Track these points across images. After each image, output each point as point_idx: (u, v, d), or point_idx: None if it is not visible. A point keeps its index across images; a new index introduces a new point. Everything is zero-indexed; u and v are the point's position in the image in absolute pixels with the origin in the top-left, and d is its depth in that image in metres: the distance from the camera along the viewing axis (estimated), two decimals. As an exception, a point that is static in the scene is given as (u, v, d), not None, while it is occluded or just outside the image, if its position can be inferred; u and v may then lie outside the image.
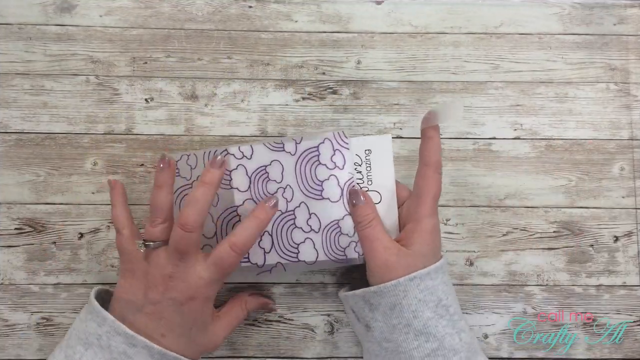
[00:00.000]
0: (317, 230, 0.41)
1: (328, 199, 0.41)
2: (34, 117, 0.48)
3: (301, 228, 0.41)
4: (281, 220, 0.41)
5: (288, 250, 0.41)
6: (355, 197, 0.41)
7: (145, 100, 0.48)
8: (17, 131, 0.48)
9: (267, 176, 0.41)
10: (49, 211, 0.47)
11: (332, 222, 0.41)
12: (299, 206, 0.41)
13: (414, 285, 0.38)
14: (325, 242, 0.41)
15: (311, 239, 0.41)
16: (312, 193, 0.41)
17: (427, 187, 0.40)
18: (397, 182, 0.44)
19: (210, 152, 0.41)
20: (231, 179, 0.40)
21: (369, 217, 0.40)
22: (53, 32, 0.48)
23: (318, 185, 0.41)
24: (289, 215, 0.41)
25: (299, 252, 0.41)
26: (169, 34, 0.49)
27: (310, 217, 0.41)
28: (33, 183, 0.47)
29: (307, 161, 0.41)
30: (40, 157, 0.47)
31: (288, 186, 0.41)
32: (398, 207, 0.43)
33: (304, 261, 0.41)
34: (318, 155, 0.41)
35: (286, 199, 0.41)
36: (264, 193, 0.41)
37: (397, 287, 0.38)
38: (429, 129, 0.40)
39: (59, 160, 0.47)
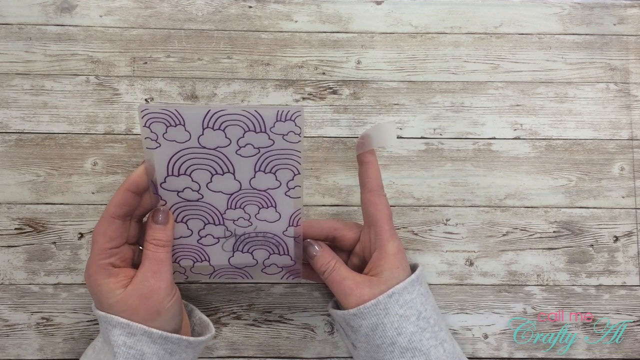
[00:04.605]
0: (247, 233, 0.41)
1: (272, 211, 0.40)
2: (34, 117, 0.48)
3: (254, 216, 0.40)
4: (251, 192, 0.39)
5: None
6: (310, 250, 0.41)
7: (146, 100, 0.48)
8: (17, 131, 0.48)
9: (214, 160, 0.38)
10: (49, 211, 0.47)
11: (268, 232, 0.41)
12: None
13: (394, 301, 0.38)
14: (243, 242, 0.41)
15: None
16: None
17: (378, 213, 0.40)
18: (342, 222, 0.43)
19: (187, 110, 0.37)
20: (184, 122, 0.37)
21: (331, 263, 0.40)
22: (53, 32, 0.48)
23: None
24: (261, 195, 0.40)
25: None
26: (169, 34, 0.49)
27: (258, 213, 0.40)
28: (33, 183, 0.47)
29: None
30: (40, 157, 0.47)
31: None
32: (352, 249, 0.43)
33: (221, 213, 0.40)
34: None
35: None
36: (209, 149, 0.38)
37: (377, 305, 0.38)
38: (365, 154, 0.40)
39: (59, 160, 0.47)
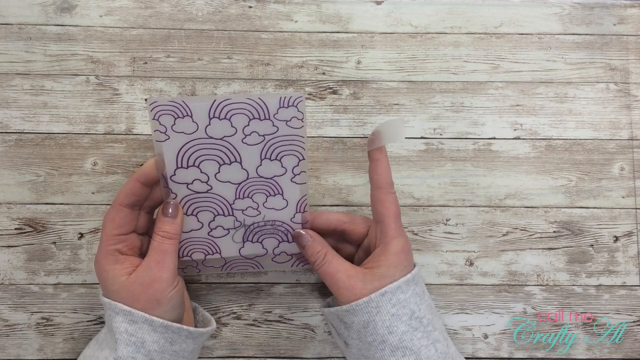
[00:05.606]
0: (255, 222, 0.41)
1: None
2: (34, 117, 0.48)
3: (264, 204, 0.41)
4: (258, 181, 0.40)
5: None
6: (300, 240, 0.41)
7: (145, 100, 0.48)
8: (17, 131, 0.48)
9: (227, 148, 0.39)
10: (49, 211, 0.47)
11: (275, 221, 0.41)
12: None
13: (386, 300, 0.38)
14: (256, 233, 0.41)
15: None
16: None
17: (386, 210, 0.40)
18: (351, 216, 0.43)
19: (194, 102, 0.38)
20: (192, 113, 0.38)
21: (321, 253, 0.40)
22: (53, 32, 0.48)
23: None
24: (268, 183, 0.40)
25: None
26: (169, 34, 0.49)
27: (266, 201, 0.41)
28: (33, 183, 0.47)
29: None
30: (40, 157, 0.47)
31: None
32: (360, 242, 0.43)
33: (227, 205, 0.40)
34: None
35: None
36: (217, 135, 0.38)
37: (369, 303, 0.38)
38: (375, 151, 0.40)
39: (59, 160, 0.47)
